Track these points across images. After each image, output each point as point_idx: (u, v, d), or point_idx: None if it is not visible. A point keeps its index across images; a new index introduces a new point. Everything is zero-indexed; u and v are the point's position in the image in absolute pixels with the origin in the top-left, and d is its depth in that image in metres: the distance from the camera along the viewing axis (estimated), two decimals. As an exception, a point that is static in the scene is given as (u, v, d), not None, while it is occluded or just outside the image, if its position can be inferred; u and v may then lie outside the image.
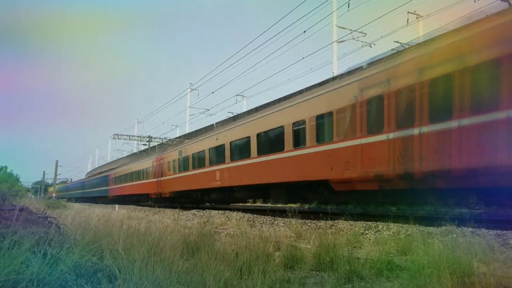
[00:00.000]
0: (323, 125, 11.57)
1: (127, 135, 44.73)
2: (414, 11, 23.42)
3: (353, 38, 23.36)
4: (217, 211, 16.16)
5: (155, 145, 45.11)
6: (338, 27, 24.37)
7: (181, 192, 22.78)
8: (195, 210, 18.38)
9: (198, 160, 20.25)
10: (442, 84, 8.34)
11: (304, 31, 22.05)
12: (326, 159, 11.23)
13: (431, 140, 8.37)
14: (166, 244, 5.01)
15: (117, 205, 28.22)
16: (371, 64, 10.72)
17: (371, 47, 23.93)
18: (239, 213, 14.33)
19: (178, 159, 22.99)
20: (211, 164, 18.83)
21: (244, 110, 33.27)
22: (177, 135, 44.67)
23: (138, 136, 44.90)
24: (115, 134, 43.67)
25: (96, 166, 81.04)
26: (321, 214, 10.57)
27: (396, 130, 9.19)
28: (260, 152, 14.75)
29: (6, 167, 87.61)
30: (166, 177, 24.70)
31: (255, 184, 15.23)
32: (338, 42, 24.17)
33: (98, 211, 14.38)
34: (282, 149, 13.28)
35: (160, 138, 44.84)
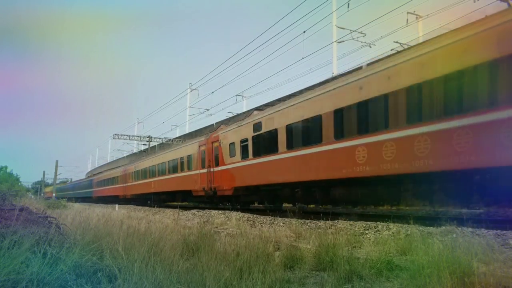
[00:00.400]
0: (190, 160, 22.03)
1: (127, 135, 44.80)
2: (414, 12, 23.43)
3: (352, 38, 23.38)
4: (217, 211, 16.17)
5: (155, 145, 45.12)
6: (338, 27, 24.38)
7: (137, 194, 33.20)
8: (195, 210, 18.41)
9: (144, 174, 31.09)
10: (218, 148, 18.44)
11: (304, 31, 22.12)
12: (190, 179, 21.65)
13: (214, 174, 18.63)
14: (166, 244, 5.01)
15: (117, 205, 28.26)
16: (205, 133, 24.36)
17: (370, 47, 23.98)
18: (239, 213, 14.35)
19: (134, 171, 34.04)
20: (150, 177, 29.46)
21: (244, 110, 33.28)
22: (177, 135, 44.68)
23: (138, 136, 44.95)
24: (115, 134, 43.73)
25: (96, 166, 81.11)
26: (321, 214, 10.58)
27: (206, 168, 19.46)
28: (169, 172, 25.34)
29: (6, 167, 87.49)
30: (128, 184, 35.40)
31: (169, 191, 25.84)
32: (338, 42, 24.18)
33: (98, 211, 14.38)
34: (177, 171, 23.97)
35: (160, 138, 44.88)
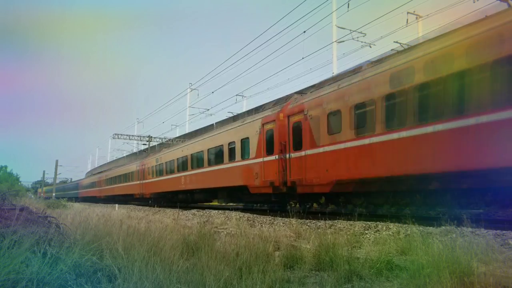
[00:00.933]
0: (132, 175, 34.94)
1: (127, 135, 44.82)
2: (414, 12, 23.41)
3: (352, 38, 23.33)
4: (217, 211, 16.18)
5: (155, 145, 45.11)
6: (338, 27, 24.36)
7: (108, 196, 44.83)
8: (195, 210, 18.40)
9: (111, 181, 42.77)
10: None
11: (304, 31, 22.08)
12: (132, 187, 34.54)
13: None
14: (166, 243, 5.01)
15: (117, 205, 28.33)
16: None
17: (370, 47, 23.92)
18: (239, 212, 14.35)
19: (105, 179, 45.79)
20: (113, 184, 41.88)
21: (244, 110, 33.28)
22: (177, 135, 44.67)
23: (138, 136, 44.95)
24: (115, 134, 43.78)
25: (96, 166, 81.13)
26: (319, 214, 10.58)
27: (140, 180, 32.53)
28: (119, 182, 38.77)
29: (6, 167, 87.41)
30: (102, 188, 47.16)
31: (120, 194, 38.98)
32: (338, 42, 24.16)
33: (98, 210, 14.40)
34: (127, 181, 36.46)
35: (160, 138, 44.87)
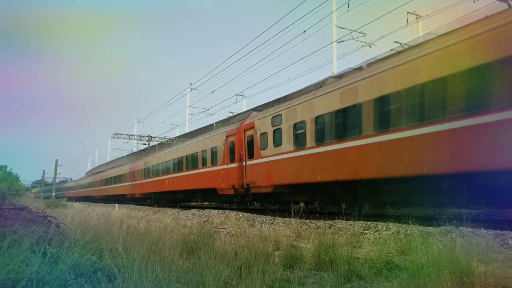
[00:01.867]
0: (92, 184, 55.59)
1: (126, 135, 44.78)
2: (414, 12, 23.39)
3: (352, 38, 23.31)
4: (216, 211, 16.17)
5: (154, 145, 45.11)
6: (338, 27, 24.34)
7: (82, 196, 55.23)
8: (195, 209, 18.40)
9: (83, 186, 57.83)
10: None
11: (304, 31, 22.10)
12: (90, 192, 55.50)
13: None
14: (165, 243, 5.01)
15: (116, 205, 28.32)
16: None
17: (370, 47, 23.90)
18: (238, 212, 14.34)
19: (79, 184, 59.78)
20: (86, 187, 56.67)
21: (244, 109, 33.27)
22: (177, 135, 44.66)
23: (138, 136, 44.92)
24: (115, 134, 43.79)
25: (95, 165, 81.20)
26: (317, 215, 10.58)
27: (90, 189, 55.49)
28: (89, 187, 56.17)
29: (5, 166, 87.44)
30: (78, 190, 59.26)
31: (91, 195, 54.44)
32: (338, 42, 24.14)
33: (98, 210, 14.40)
34: (92, 187, 54.20)
35: (159, 138, 44.84)
